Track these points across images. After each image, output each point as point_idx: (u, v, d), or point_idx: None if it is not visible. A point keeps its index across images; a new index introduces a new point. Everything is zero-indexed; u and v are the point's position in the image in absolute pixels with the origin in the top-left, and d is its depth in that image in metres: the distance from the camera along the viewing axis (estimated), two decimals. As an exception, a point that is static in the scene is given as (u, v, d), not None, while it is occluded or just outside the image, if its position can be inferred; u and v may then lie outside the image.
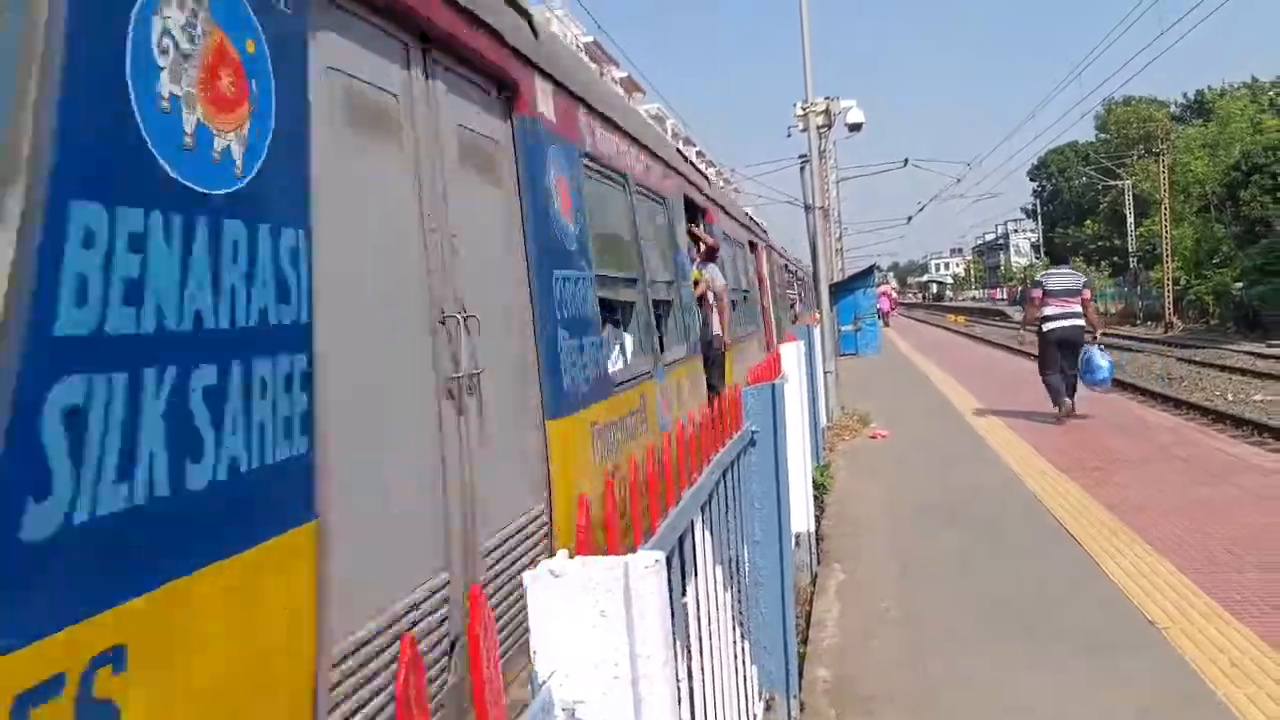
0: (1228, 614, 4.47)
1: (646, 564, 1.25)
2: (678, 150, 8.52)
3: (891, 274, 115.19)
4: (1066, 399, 10.52)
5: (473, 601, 1.05)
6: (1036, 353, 11.07)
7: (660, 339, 6.34)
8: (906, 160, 28.88)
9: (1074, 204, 72.81)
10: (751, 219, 15.35)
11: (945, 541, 6.20)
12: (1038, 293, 10.62)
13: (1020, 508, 6.90)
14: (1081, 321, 10.35)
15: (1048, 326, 10.37)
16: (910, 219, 48.45)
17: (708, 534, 2.49)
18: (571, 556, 1.33)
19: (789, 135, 19.34)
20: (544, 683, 1.20)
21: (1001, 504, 7.07)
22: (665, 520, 2.01)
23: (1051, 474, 7.92)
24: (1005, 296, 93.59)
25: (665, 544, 1.90)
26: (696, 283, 7.93)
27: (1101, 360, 10.25)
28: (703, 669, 2.29)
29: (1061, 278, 10.61)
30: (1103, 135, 64.64)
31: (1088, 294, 10.53)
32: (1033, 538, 6.09)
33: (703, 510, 2.43)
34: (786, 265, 21.28)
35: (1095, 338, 10.58)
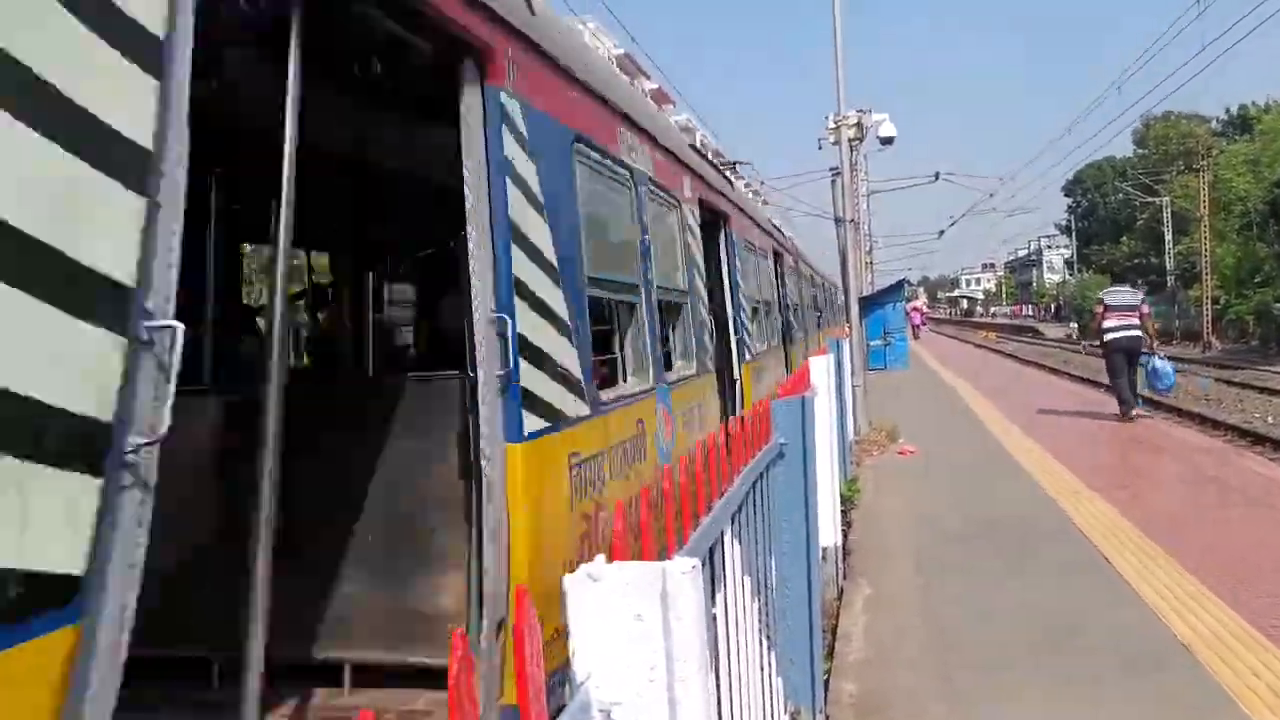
0: (1263, 637, 4.41)
1: (683, 569, 1.29)
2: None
3: (921, 289, 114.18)
4: (1131, 403, 11.93)
5: (518, 601, 1.09)
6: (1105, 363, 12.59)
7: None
8: (938, 174, 28.70)
9: (1110, 220, 71.88)
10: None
11: (973, 559, 6.15)
12: (1099, 308, 12.13)
13: (1050, 525, 6.84)
14: (1138, 333, 11.67)
15: (1108, 337, 11.73)
16: (942, 233, 48.05)
17: (737, 544, 2.52)
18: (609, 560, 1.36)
19: (820, 147, 19.34)
20: (582, 683, 1.24)
21: (1031, 521, 7.01)
22: (697, 529, 2.04)
23: (1083, 492, 7.84)
24: (1032, 313, 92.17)
25: (697, 552, 1.93)
26: None
27: (1167, 368, 12.07)
28: (730, 679, 2.31)
29: (1120, 294, 12.12)
30: (1141, 151, 63.83)
31: (1146, 309, 12.04)
32: (1063, 556, 6.03)
33: (732, 520, 2.46)
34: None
35: (1154, 348, 12.10)
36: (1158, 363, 11.97)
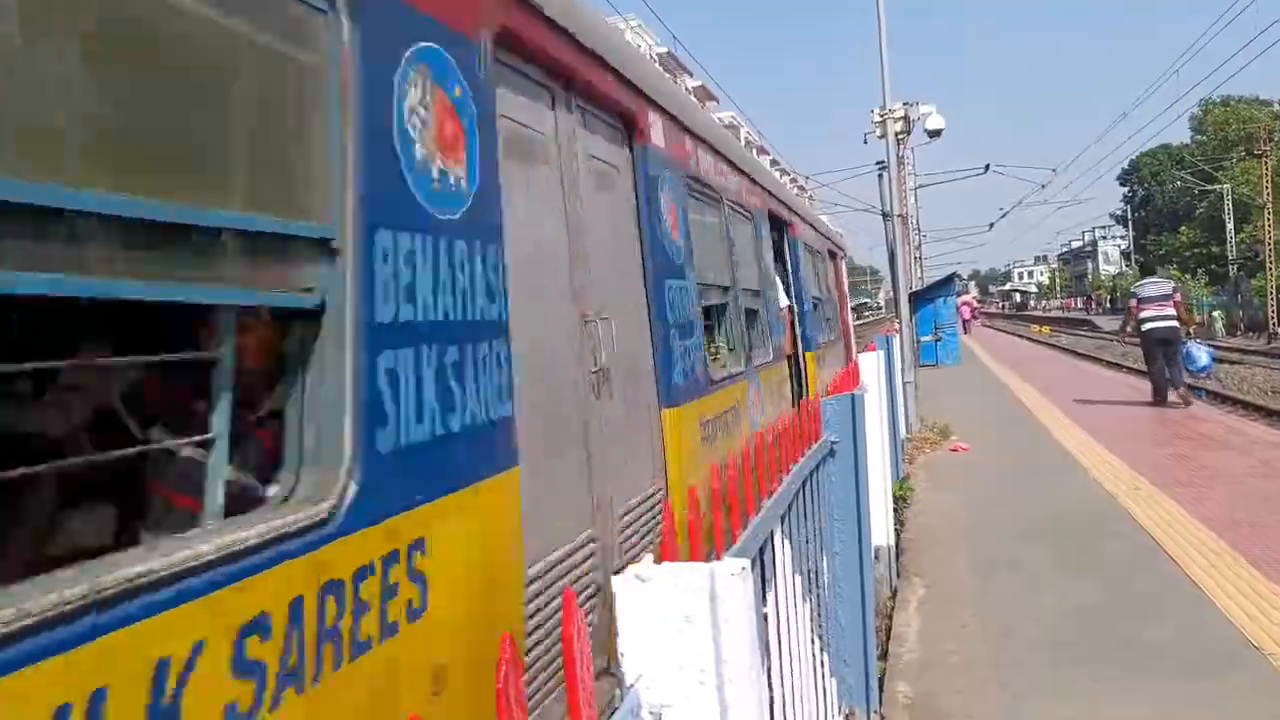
0: (1338, 640, 4.24)
1: (733, 571, 1.27)
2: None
3: (972, 283, 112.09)
4: (1167, 390, 12.45)
5: (566, 605, 1.08)
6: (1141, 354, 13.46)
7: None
8: (988, 166, 28.16)
9: (1168, 209, 69.96)
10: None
11: (1030, 558, 6.02)
12: (1133, 301, 12.71)
13: (1110, 524, 6.66)
14: (1175, 322, 12.22)
15: (1146, 327, 12.26)
16: (992, 226, 47.17)
17: (787, 544, 2.49)
18: (658, 562, 1.35)
19: (865, 142, 19.11)
20: (632, 685, 1.23)
21: (1090, 519, 6.83)
22: (746, 529, 2.02)
23: (1144, 488, 7.62)
24: (1082, 306, 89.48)
25: (747, 552, 1.90)
26: None
27: (1200, 352, 13.20)
28: (782, 679, 2.28)
29: (1153, 286, 12.61)
30: (1199, 137, 62.01)
31: (1178, 296, 12.60)
32: (1125, 555, 5.87)
33: (782, 520, 2.43)
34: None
35: (1190, 333, 13.08)
36: (1194, 347, 12.99)
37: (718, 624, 1.26)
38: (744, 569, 1.28)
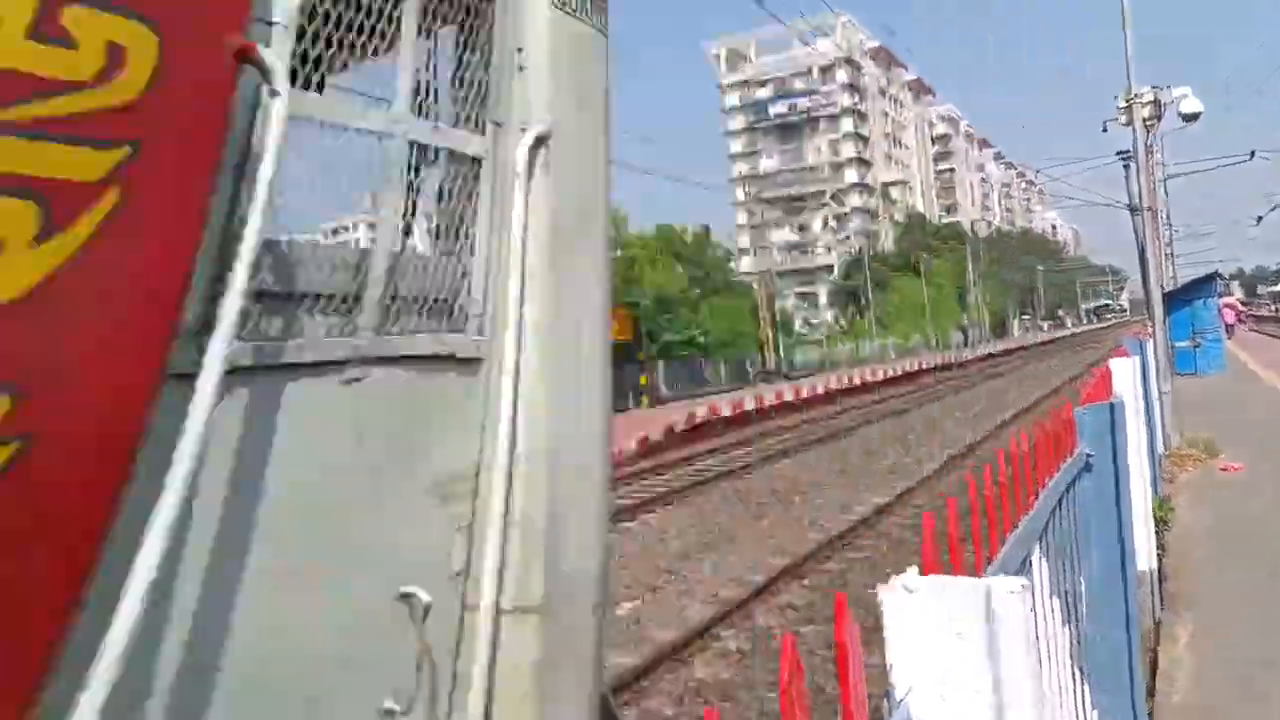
0: None
1: (1011, 589, 1.20)
2: None
3: (1235, 283, 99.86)
4: None
5: (838, 609, 1.06)
6: None
7: None
8: (1253, 153, 25.07)
9: None
10: None
11: (1327, 592, 5.26)
12: None
13: None
14: None
15: None
16: (1260, 219, 41.86)
17: (1045, 563, 2.32)
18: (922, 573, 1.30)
19: (1104, 129, 17.58)
20: (902, 700, 1.19)
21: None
22: (1005, 546, 1.91)
23: None
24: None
25: (1006, 570, 1.79)
26: None
27: None
28: (1045, 708, 2.13)
29: None
30: None
31: None
32: None
33: (1040, 538, 2.27)
34: None
35: None
36: None
37: (995, 643, 1.19)
38: (1025, 587, 1.21)
